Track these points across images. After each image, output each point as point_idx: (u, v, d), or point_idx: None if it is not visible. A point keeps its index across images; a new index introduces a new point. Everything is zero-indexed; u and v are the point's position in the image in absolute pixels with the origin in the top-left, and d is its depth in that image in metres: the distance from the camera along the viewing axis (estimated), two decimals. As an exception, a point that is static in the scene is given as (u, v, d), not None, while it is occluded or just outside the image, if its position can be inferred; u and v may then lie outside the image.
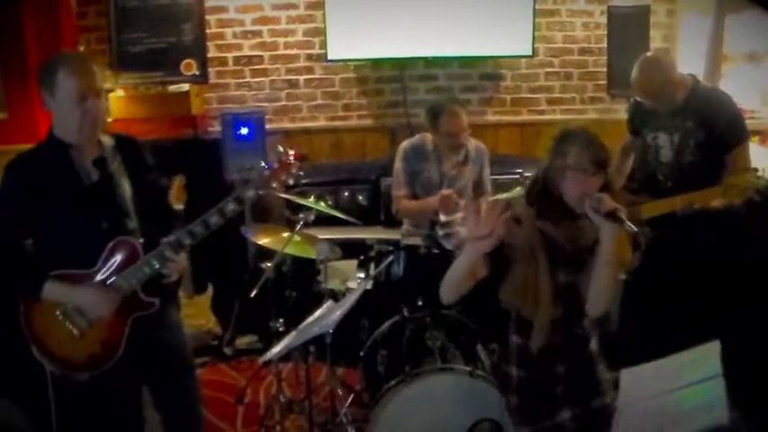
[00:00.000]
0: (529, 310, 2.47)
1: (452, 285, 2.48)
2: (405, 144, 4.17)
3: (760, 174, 3.31)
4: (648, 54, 3.82)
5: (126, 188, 2.65)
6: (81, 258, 2.58)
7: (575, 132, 2.43)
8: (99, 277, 2.59)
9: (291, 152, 2.71)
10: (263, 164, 2.70)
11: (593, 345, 2.61)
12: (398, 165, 4.11)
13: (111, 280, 2.59)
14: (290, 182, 2.73)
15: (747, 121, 3.74)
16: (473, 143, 4.11)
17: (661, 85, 3.53)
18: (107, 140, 2.67)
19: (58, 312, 2.59)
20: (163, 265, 2.61)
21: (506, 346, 2.64)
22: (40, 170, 2.55)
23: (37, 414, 3.11)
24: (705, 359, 2.22)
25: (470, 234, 2.31)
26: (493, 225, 2.24)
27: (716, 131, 3.52)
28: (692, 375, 2.16)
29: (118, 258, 2.60)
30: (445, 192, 3.92)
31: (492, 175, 4.27)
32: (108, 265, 2.60)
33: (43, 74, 2.53)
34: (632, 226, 2.29)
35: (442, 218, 4.04)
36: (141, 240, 2.64)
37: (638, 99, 3.73)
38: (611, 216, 2.28)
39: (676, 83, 3.56)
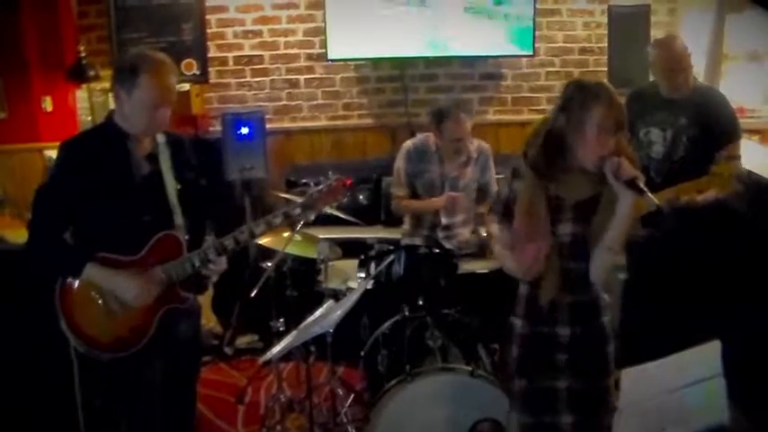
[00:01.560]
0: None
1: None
2: (408, 144, 4.17)
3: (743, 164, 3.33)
4: (665, 35, 3.85)
5: (172, 183, 2.71)
6: (122, 246, 2.63)
7: (596, 89, 2.35)
8: (141, 265, 2.63)
9: (345, 179, 2.79)
10: (316, 185, 2.77)
11: (605, 319, 2.53)
12: (400, 164, 4.11)
13: (154, 269, 2.63)
14: (335, 206, 2.80)
15: (748, 120, 3.77)
16: (475, 144, 4.10)
17: (680, 57, 3.55)
18: (159, 137, 2.72)
19: (94, 293, 2.63)
20: (204, 264, 2.68)
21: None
22: (95, 154, 2.61)
23: (62, 389, 3.20)
24: (705, 359, 2.22)
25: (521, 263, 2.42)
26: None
27: (711, 129, 3.54)
28: (692, 375, 2.16)
29: (161, 252, 2.66)
30: (452, 193, 3.93)
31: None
32: (150, 257, 2.65)
33: (124, 71, 2.58)
34: (652, 197, 2.25)
35: (444, 220, 4.04)
36: (187, 237, 2.70)
37: (637, 91, 3.74)
38: (632, 185, 2.23)
39: (690, 66, 3.59)
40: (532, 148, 2.46)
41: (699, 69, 4.96)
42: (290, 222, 2.85)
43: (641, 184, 2.22)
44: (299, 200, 2.81)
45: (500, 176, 4.33)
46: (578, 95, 2.36)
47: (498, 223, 2.61)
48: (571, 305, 2.47)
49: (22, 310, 3.24)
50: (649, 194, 2.24)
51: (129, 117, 2.61)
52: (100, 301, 2.64)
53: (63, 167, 2.64)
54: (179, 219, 2.71)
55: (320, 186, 2.81)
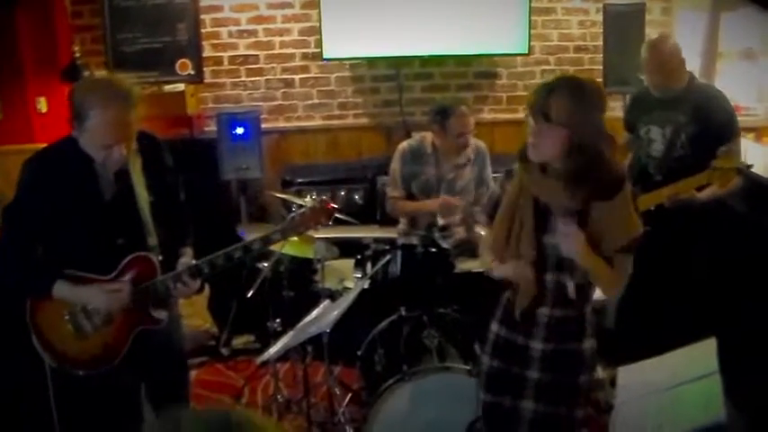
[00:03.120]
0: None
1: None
2: (404, 145, 4.17)
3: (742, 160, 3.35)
4: (658, 35, 3.87)
5: (145, 199, 2.62)
6: (94, 267, 2.58)
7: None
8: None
9: (329, 203, 2.73)
10: (297, 209, 2.70)
11: (586, 345, 2.45)
12: (396, 165, 4.11)
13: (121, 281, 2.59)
14: (318, 229, 2.75)
15: (743, 119, 3.79)
16: (473, 143, 4.11)
17: (670, 58, 3.57)
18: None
19: (65, 312, 2.60)
20: (175, 287, 2.63)
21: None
22: (61, 174, 2.51)
23: (38, 407, 3.11)
24: (701, 356, 2.23)
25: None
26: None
27: (709, 127, 3.55)
28: (688, 373, 2.17)
29: (134, 272, 2.60)
30: (447, 197, 3.93)
31: (489, 173, 4.27)
32: (122, 278, 2.60)
33: (75, 103, 2.43)
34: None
35: (440, 221, 4.04)
36: (160, 258, 2.64)
37: (640, 92, 3.76)
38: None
39: (682, 67, 3.61)
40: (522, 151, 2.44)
41: (694, 68, 4.96)
42: (267, 247, 2.76)
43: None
44: (296, 200, 2.79)
45: (496, 175, 4.34)
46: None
47: (486, 224, 2.60)
48: (549, 320, 2.42)
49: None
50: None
51: (87, 145, 2.49)
52: (70, 320, 2.61)
53: (28, 187, 2.54)
54: (152, 239, 2.65)
55: (302, 209, 2.73)
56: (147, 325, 2.66)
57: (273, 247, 3.63)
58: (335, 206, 2.76)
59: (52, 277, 2.54)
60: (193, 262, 2.65)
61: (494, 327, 2.56)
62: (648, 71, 3.68)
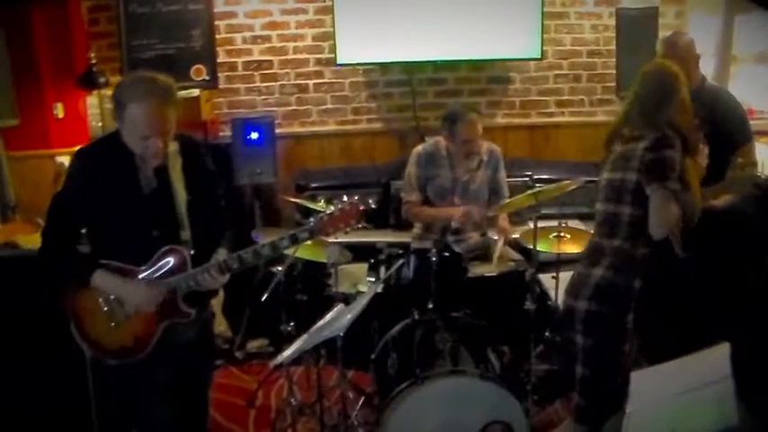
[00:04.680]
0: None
1: None
2: (418, 149, 4.18)
3: (759, 171, 3.33)
4: (673, 32, 3.86)
5: (182, 196, 2.69)
6: (129, 258, 2.65)
7: None
8: (144, 275, 2.65)
9: (358, 204, 2.68)
10: (326, 210, 2.67)
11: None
12: (411, 169, 4.13)
13: (159, 282, 2.65)
14: (347, 231, 2.71)
15: (757, 122, 3.77)
16: (485, 146, 4.12)
17: (686, 51, 3.55)
18: (171, 145, 2.68)
19: (101, 300, 2.67)
20: (203, 279, 2.66)
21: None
22: (105, 166, 2.63)
23: (76, 392, 3.26)
24: (715, 361, 2.22)
25: None
26: None
27: (721, 130, 3.53)
28: (701, 378, 2.16)
29: (167, 264, 2.66)
30: (469, 207, 3.93)
31: (503, 177, 4.28)
32: (155, 268, 2.66)
33: (116, 95, 2.56)
34: None
35: (454, 224, 4.05)
36: (192, 252, 2.69)
37: None
38: None
39: (698, 58, 3.59)
40: None
41: (707, 71, 4.94)
42: (296, 245, 2.76)
43: None
44: (309, 204, 2.79)
45: (510, 180, 4.35)
46: None
47: None
48: None
49: (36, 314, 3.26)
50: None
51: (126, 140, 2.59)
52: (105, 308, 2.67)
53: (76, 176, 2.66)
54: (186, 234, 2.70)
55: (331, 209, 2.67)
56: (176, 318, 2.71)
57: (287, 252, 3.66)
58: (365, 207, 2.72)
59: (92, 267, 2.62)
60: (222, 258, 2.68)
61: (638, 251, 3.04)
62: None
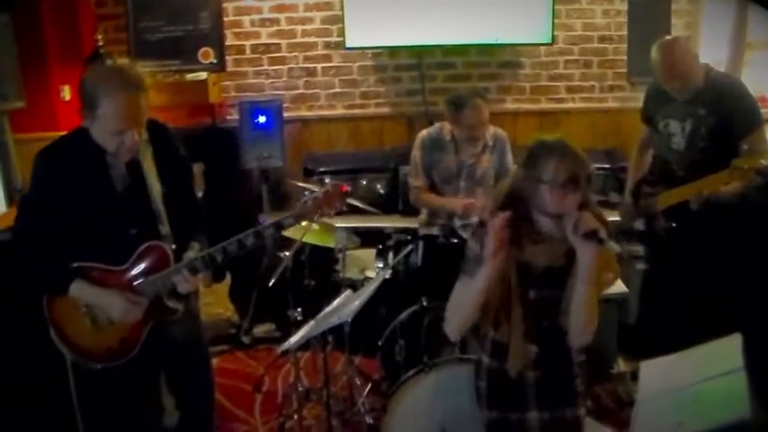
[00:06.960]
0: (502, 332, 2.36)
1: (466, 315, 2.39)
2: (423, 133, 4.16)
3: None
4: (668, 37, 3.78)
5: (157, 189, 2.62)
6: (108, 258, 2.58)
7: (552, 143, 2.27)
8: (127, 276, 2.59)
9: (342, 186, 2.67)
10: (308, 193, 2.65)
11: (575, 357, 2.41)
12: (416, 153, 4.10)
13: (139, 282, 2.59)
14: (332, 214, 2.69)
15: (768, 110, 3.70)
16: (491, 131, 4.08)
17: (680, 66, 3.49)
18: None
19: (82, 306, 2.61)
20: (179, 282, 2.59)
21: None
22: (73, 166, 2.51)
23: (59, 399, 3.13)
24: (726, 352, 2.20)
25: (489, 251, 2.24)
26: (501, 236, 2.21)
27: (728, 118, 3.47)
28: (712, 369, 2.14)
29: (148, 262, 2.60)
30: (471, 201, 3.90)
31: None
32: (137, 267, 2.60)
33: (86, 92, 2.45)
34: (616, 245, 2.20)
35: (456, 219, 4.03)
36: (173, 247, 2.64)
37: (657, 83, 3.69)
38: (590, 236, 2.15)
39: (695, 66, 3.53)
40: (498, 205, 2.36)
41: (721, 58, 4.89)
42: (280, 232, 2.70)
43: (602, 236, 2.14)
44: (317, 189, 2.73)
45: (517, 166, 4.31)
46: (537, 150, 2.29)
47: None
48: (538, 354, 2.35)
49: (19, 313, 3.14)
50: (611, 243, 2.17)
51: (98, 138, 2.49)
52: (87, 315, 2.61)
53: (41, 179, 2.54)
54: (165, 228, 2.64)
55: (314, 193, 2.67)
56: (163, 316, 2.65)
57: (296, 236, 3.65)
58: (348, 189, 2.70)
59: (69, 277, 2.54)
60: (192, 256, 2.61)
61: (484, 360, 2.51)
62: (660, 74, 3.59)
